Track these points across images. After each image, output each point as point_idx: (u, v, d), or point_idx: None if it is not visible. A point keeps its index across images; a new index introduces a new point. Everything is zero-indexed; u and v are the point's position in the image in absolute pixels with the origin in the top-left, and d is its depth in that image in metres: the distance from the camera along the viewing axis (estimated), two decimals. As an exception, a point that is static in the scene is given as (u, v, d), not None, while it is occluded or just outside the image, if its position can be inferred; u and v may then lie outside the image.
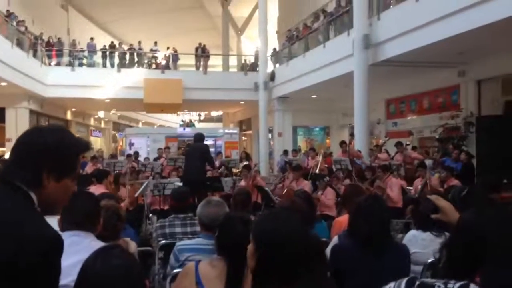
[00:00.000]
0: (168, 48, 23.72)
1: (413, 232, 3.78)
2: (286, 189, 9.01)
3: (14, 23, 17.75)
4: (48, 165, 1.52)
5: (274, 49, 22.85)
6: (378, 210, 2.95)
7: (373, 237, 2.84)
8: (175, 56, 23.47)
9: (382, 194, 8.26)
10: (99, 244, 2.62)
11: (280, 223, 1.88)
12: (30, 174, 1.50)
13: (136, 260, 1.67)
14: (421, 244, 3.59)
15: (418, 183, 8.80)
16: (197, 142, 10.20)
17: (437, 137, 13.53)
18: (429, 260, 3.40)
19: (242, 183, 9.66)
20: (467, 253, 1.67)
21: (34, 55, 19.18)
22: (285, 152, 17.36)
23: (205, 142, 10.70)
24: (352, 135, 14.13)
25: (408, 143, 12.72)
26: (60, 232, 2.60)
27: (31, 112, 19.81)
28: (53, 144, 1.53)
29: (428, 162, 11.13)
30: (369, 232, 2.84)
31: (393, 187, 8.37)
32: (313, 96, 19.85)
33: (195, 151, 9.89)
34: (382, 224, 2.92)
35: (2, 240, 1.36)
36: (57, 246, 1.46)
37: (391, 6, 12.91)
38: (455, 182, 7.92)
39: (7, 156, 15.04)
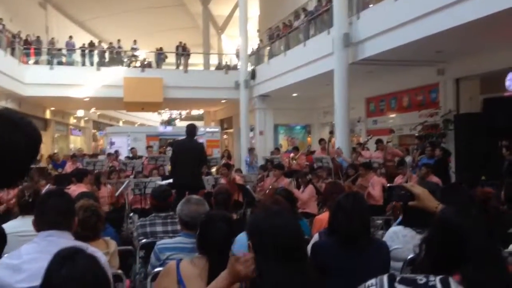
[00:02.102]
0: (157, 49, 23.55)
1: (394, 228, 3.79)
2: (268, 188, 9.03)
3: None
4: None
5: (254, 49, 22.80)
6: (358, 207, 2.97)
7: (353, 234, 2.86)
8: (160, 56, 23.36)
9: (363, 192, 8.34)
10: (78, 243, 2.59)
11: (269, 217, 1.95)
12: None
13: (101, 264, 1.63)
14: (402, 240, 3.61)
15: (399, 180, 8.88)
16: (189, 137, 8.54)
17: (416, 134, 13.67)
18: (409, 256, 3.42)
19: (223, 181, 9.64)
20: (445, 250, 1.69)
21: (12, 54, 18.91)
22: (250, 150, 17.24)
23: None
24: (331, 133, 14.21)
25: (388, 140, 12.83)
26: (35, 233, 2.59)
27: (9, 111, 19.49)
28: None
29: (408, 159, 11.25)
30: (349, 230, 2.86)
31: (375, 185, 8.43)
32: (294, 95, 19.91)
33: (191, 151, 8.33)
34: (362, 221, 2.94)
35: None
36: None
37: (371, 5, 12.99)
38: (434, 179, 8.00)
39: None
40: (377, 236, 6.29)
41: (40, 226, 2.58)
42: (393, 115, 16.63)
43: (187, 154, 8.27)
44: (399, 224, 3.79)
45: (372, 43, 12.24)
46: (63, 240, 2.52)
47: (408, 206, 2.45)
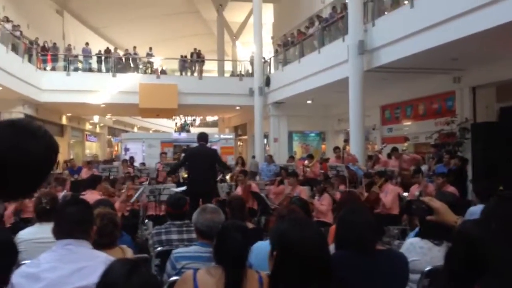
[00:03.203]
0: (182, 56, 23.61)
1: (411, 240, 3.76)
2: (284, 196, 8.99)
3: (9, 27, 17.69)
4: None
5: (266, 58, 22.80)
6: (361, 220, 2.90)
7: (360, 247, 2.80)
8: (184, 63, 23.51)
9: (375, 199, 8.27)
10: (97, 252, 2.60)
11: (299, 228, 1.96)
12: None
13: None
14: (420, 252, 3.57)
15: (415, 189, 8.79)
16: (201, 144, 8.54)
17: (432, 143, 13.56)
18: (427, 268, 3.38)
19: (239, 189, 9.63)
20: (465, 263, 1.67)
21: (29, 60, 19.15)
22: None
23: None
24: (346, 141, 14.15)
25: (404, 148, 12.74)
26: (53, 240, 2.60)
27: (26, 116, 19.73)
28: None
29: (424, 168, 11.16)
30: (356, 241, 2.80)
31: (389, 193, 8.35)
32: (308, 102, 19.88)
33: (204, 158, 8.30)
34: (368, 230, 2.87)
35: None
36: None
37: (386, 13, 12.95)
38: (451, 188, 7.91)
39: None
40: (393, 246, 6.26)
41: (58, 234, 2.59)
42: (408, 123, 16.53)
43: (199, 161, 8.28)
44: (416, 235, 3.75)
45: (388, 50, 12.18)
46: (82, 248, 2.53)
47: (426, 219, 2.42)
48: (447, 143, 13.02)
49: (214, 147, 21.29)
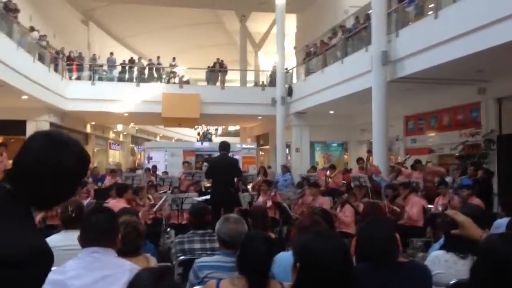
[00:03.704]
0: (209, 66, 23.84)
1: (435, 253, 3.71)
2: (305, 206, 8.94)
3: (36, 35, 18.04)
4: None
5: (287, 69, 22.81)
6: (379, 232, 2.87)
7: (382, 257, 2.78)
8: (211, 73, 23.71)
9: (400, 212, 8.19)
10: (122, 260, 2.63)
11: (322, 240, 1.95)
12: None
13: None
14: (444, 265, 3.52)
15: (439, 201, 8.68)
16: (223, 153, 8.66)
17: (457, 154, 13.38)
18: (452, 282, 3.33)
19: (261, 198, 9.62)
20: (491, 278, 1.65)
21: (55, 69, 19.46)
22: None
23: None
24: (369, 151, 14.05)
25: (428, 160, 12.59)
26: (78, 247, 2.64)
27: (52, 125, 20.03)
28: None
29: (448, 179, 11.02)
30: (376, 254, 2.78)
31: (414, 205, 8.26)
32: (330, 112, 19.84)
33: (225, 167, 8.41)
34: (388, 243, 2.84)
35: None
36: (35, 259, 1.36)
37: (410, 23, 12.88)
38: (476, 201, 7.80)
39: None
40: (417, 258, 6.18)
41: (84, 242, 2.62)
42: (432, 134, 16.35)
43: (221, 171, 8.37)
44: (441, 247, 3.70)
45: (411, 61, 12.11)
46: (107, 257, 2.56)
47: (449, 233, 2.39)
48: (472, 154, 12.84)
49: (236, 156, 21.45)
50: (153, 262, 3.34)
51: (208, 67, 24.06)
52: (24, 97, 16.41)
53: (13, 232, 1.35)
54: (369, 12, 14.86)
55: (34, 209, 1.46)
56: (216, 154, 9.70)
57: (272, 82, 23.02)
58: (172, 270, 4.39)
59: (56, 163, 1.44)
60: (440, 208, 8.25)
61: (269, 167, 19.74)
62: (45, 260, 1.39)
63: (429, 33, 11.21)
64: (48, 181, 1.44)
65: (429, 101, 15.41)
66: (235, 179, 8.92)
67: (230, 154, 8.91)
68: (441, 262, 3.56)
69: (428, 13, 11.97)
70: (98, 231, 2.61)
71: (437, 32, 10.89)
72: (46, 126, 19.32)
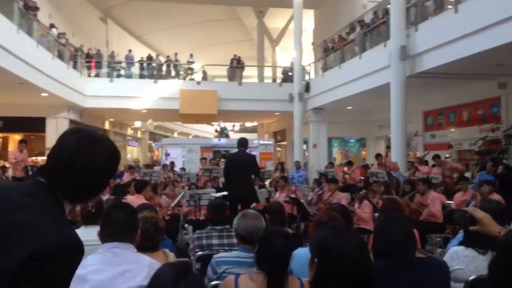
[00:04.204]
0: (232, 59, 23.88)
1: (455, 249, 3.67)
2: (323, 202, 8.93)
3: (55, 32, 18.23)
4: None
5: (304, 66, 22.74)
6: (396, 230, 2.84)
7: (399, 254, 2.75)
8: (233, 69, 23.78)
9: (422, 210, 8.12)
10: (141, 256, 2.65)
11: (340, 235, 1.94)
12: None
13: None
14: (464, 261, 3.49)
15: (459, 197, 8.59)
16: (241, 149, 8.62)
17: (476, 150, 13.23)
18: (471, 278, 3.30)
19: (278, 194, 9.62)
20: (510, 274, 1.64)
21: (74, 67, 19.67)
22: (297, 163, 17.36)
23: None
24: (388, 147, 13.96)
25: (447, 156, 12.46)
26: (98, 242, 2.67)
27: (71, 122, 20.26)
28: None
29: (468, 175, 10.89)
30: (394, 251, 2.75)
31: (435, 202, 8.18)
32: (348, 108, 19.74)
33: (243, 164, 8.38)
34: (405, 240, 2.81)
35: (10, 239, 1.35)
36: (68, 251, 1.39)
37: (429, 17, 12.75)
38: (496, 196, 7.70)
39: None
40: (436, 254, 6.13)
41: (104, 237, 2.65)
42: (452, 130, 16.18)
43: (239, 167, 8.33)
44: (460, 243, 3.67)
45: (430, 56, 11.99)
46: (127, 252, 2.58)
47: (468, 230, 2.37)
48: (491, 150, 12.68)
49: (254, 152, 21.47)
50: (171, 257, 3.36)
51: (231, 60, 24.02)
52: (44, 94, 16.60)
53: (49, 224, 1.40)
54: (387, 6, 14.74)
55: (66, 203, 1.52)
56: (234, 150, 9.69)
57: (285, 78, 23.00)
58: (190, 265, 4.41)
59: (89, 158, 1.50)
60: (472, 203, 8.16)
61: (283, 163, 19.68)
62: (77, 252, 1.43)
63: (449, 28, 11.08)
64: (81, 176, 1.49)
65: (449, 96, 15.25)
66: (252, 177, 8.83)
67: (247, 150, 8.86)
68: (460, 258, 3.53)
69: (448, 7, 11.83)
70: (118, 226, 2.64)
71: (456, 26, 10.76)
72: (65, 123, 19.56)
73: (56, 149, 1.54)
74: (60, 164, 1.50)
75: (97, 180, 1.55)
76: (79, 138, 1.54)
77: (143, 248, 2.98)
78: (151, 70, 22.94)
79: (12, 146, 19.16)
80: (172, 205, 8.99)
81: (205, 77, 24.13)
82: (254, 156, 9.11)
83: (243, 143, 8.64)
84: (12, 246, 1.33)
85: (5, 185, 1.54)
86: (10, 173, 12.50)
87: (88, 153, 1.50)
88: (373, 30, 16.14)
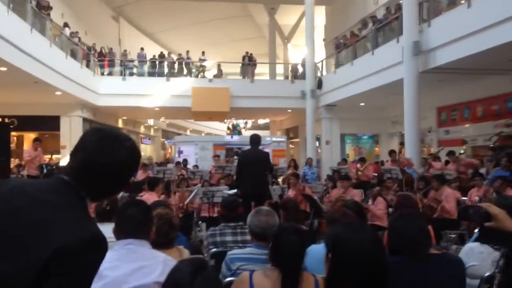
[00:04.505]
0: (246, 54, 23.89)
1: (470, 245, 3.65)
2: (336, 199, 8.88)
3: (68, 33, 18.36)
4: None
5: (315, 63, 22.67)
6: (410, 225, 2.82)
7: (413, 250, 2.74)
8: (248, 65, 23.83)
9: (437, 206, 8.06)
10: (156, 252, 2.67)
11: (353, 231, 1.95)
12: None
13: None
14: (479, 257, 3.47)
15: (473, 193, 8.52)
16: (254, 146, 8.55)
17: (491, 145, 13.11)
18: (486, 274, 3.28)
19: (290, 191, 9.61)
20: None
21: (87, 65, 19.79)
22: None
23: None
24: (402, 143, 13.88)
25: (462, 152, 12.37)
26: (112, 239, 2.69)
27: (85, 120, 20.43)
28: None
29: (482, 171, 10.81)
30: (407, 247, 2.74)
31: (449, 198, 8.12)
32: (361, 104, 19.66)
33: (256, 161, 8.31)
34: (419, 236, 2.79)
35: (36, 236, 1.37)
36: (93, 247, 1.43)
37: (442, 13, 12.65)
38: (511, 192, 7.64)
39: (62, 163, 15.57)
40: (451, 250, 6.10)
41: (119, 234, 2.67)
42: (466, 125, 16.05)
43: (252, 164, 8.26)
44: (476, 240, 3.65)
45: (444, 51, 11.91)
46: (142, 248, 2.60)
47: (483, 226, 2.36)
48: (506, 146, 12.55)
49: (266, 149, 21.44)
50: (186, 254, 3.38)
51: (244, 56, 24.03)
52: (58, 93, 16.74)
53: (75, 221, 1.44)
54: (400, 2, 14.65)
55: (88, 201, 1.56)
56: (246, 147, 9.67)
57: (295, 75, 22.94)
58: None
59: (110, 157, 1.54)
60: (476, 199, 8.09)
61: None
62: (102, 248, 1.47)
63: (462, 23, 10.99)
64: (102, 174, 1.53)
65: (462, 91, 15.13)
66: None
67: (260, 147, 8.84)
68: (476, 254, 3.51)
69: (461, 2, 11.73)
70: (133, 223, 2.66)
71: (470, 21, 10.67)
72: (79, 122, 19.71)
73: (78, 148, 1.58)
74: (82, 163, 1.54)
75: (118, 177, 1.59)
76: (100, 137, 1.58)
77: (157, 244, 3.00)
78: (163, 68, 23.00)
79: (26, 145, 19.34)
80: (186, 202, 9.02)
81: (219, 74, 24.15)
82: (267, 153, 9.04)
83: (256, 139, 8.59)
84: (38, 242, 1.36)
85: (28, 183, 1.57)
86: (25, 171, 12.60)
87: (109, 152, 1.54)
88: (386, 26, 16.05)
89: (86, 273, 1.41)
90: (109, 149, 1.54)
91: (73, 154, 1.58)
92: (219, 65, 24.39)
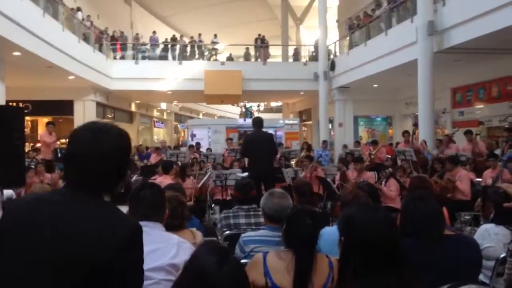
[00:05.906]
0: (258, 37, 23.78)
1: (485, 226, 3.63)
2: (349, 181, 8.86)
3: (80, 17, 18.36)
4: None
5: (327, 47, 22.46)
6: (423, 206, 2.80)
7: (426, 232, 2.72)
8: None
9: (451, 187, 8.01)
10: (169, 234, 2.68)
11: (367, 212, 1.95)
12: None
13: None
14: (494, 239, 3.45)
15: (488, 174, 8.44)
16: (257, 129, 8.63)
17: (506, 126, 12.95)
18: (502, 255, 3.27)
19: (303, 174, 9.60)
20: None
21: (100, 49, 19.81)
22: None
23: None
24: (416, 125, 13.75)
25: (477, 133, 12.22)
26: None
27: (98, 104, 20.54)
28: None
29: (498, 152, 10.68)
30: (420, 229, 2.72)
31: (463, 179, 8.06)
32: (374, 86, 19.50)
33: (260, 142, 8.38)
34: (432, 218, 2.77)
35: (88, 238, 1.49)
36: (139, 236, 1.58)
37: (458, -9, 12.44)
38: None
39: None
40: (465, 232, 6.08)
41: (133, 217, 2.68)
42: (481, 106, 15.85)
43: (258, 146, 8.34)
44: (491, 221, 3.62)
45: (459, 31, 11.73)
46: (156, 231, 2.62)
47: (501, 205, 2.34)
48: (522, 126, 12.42)
49: (279, 132, 21.45)
50: (199, 236, 3.40)
51: (256, 38, 23.89)
52: (71, 77, 16.82)
53: (113, 217, 1.58)
54: (414, -19, 14.42)
55: (104, 195, 1.67)
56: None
57: (298, 56, 22.78)
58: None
59: (100, 145, 1.61)
60: (489, 182, 8.02)
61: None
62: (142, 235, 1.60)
63: (477, 1, 10.80)
64: (103, 165, 1.61)
65: (478, 72, 14.93)
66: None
67: (273, 130, 8.87)
68: (491, 236, 3.49)
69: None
70: (146, 206, 2.68)
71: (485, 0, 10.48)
72: (92, 106, 19.81)
73: (70, 149, 1.66)
74: (82, 163, 1.60)
75: (119, 162, 1.66)
76: (91, 130, 1.66)
77: (170, 227, 3.02)
78: (176, 51, 22.95)
79: (40, 129, 19.50)
80: (199, 185, 9.05)
81: (230, 57, 24.08)
82: (271, 134, 9.09)
83: (258, 122, 8.67)
84: (87, 245, 1.48)
85: (47, 195, 1.71)
86: (40, 155, 12.70)
87: (99, 142, 1.61)
88: (400, 5, 15.83)
89: (138, 262, 1.60)
90: (101, 142, 1.61)
91: (68, 161, 1.66)
92: (230, 55, 24.22)
